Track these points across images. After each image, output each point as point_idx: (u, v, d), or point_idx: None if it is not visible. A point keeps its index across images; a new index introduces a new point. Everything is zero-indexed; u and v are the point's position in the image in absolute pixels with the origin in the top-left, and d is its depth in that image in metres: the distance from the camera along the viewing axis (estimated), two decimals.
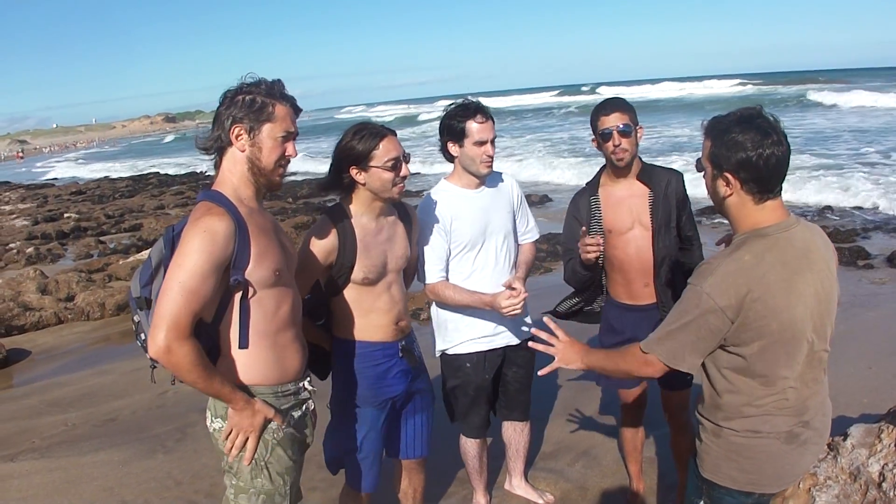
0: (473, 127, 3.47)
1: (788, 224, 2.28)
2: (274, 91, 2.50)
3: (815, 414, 2.39)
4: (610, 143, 3.42)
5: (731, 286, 2.19)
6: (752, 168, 2.20)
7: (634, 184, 3.54)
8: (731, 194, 2.29)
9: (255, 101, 2.45)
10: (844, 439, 3.60)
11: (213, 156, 2.56)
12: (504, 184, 3.79)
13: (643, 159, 3.60)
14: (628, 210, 3.55)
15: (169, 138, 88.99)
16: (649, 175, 3.54)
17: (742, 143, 2.20)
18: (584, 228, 3.54)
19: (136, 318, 2.59)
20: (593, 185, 3.68)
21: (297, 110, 2.57)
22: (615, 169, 3.54)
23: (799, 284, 2.24)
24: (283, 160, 2.53)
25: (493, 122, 3.56)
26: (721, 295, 2.19)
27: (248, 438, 2.54)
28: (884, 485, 3.33)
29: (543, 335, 2.71)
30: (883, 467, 3.38)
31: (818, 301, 2.29)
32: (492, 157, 3.53)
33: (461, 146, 3.53)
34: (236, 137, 2.46)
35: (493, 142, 3.53)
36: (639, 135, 3.47)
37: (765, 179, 2.22)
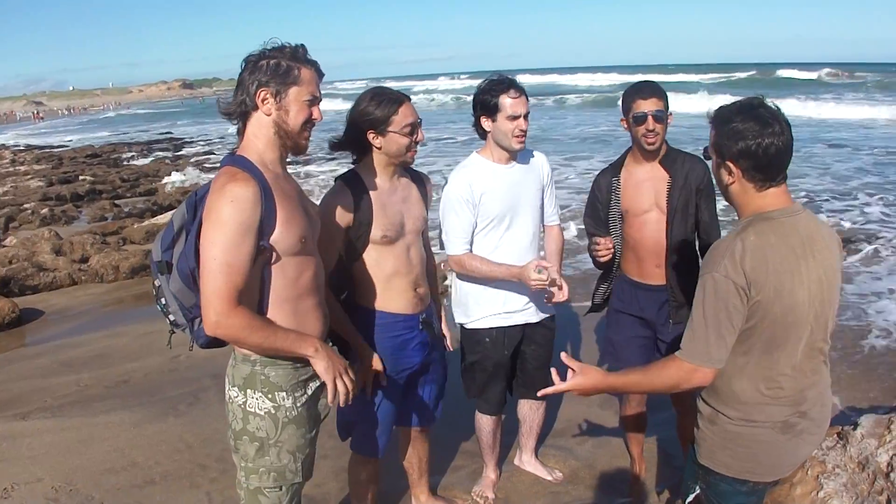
0: (507, 101, 3.47)
1: (793, 210, 2.29)
2: (298, 55, 2.48)
3: (814, 405, 2.39)
4: (643, 127, 3.42)
5: (738, 264, 2.20)
6: (752, 157, 2.22)
7: (657, 167, 3.55)
8: (733, 182, 2.31)
9: (280, 64, 2.44)
10: (854, 429, 3.62)
11: (235, 122, 2.54)
12: (535, 160, 3.78)
13: (670, 144, 3.60)
14: (647, 193, 3.56)
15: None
16: (672, 160, 3.54)
17: (742, 132, 2.21)
18: (597, 238, 3.59)
19: (156, 283, 2.59)
20: (616, 167, 3.70)
21: (320, 75, 2.55)
22: (643, 152, 3.54)
23: (803, 269, 2.24)
24: (310, 123, 2.52)
25: (527, 98, 3.55)
26: (736, 274, 2.20)
27: (347, 371, 2.58)
28: (892, 475, 3.35)
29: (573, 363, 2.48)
30: (891, 458, 3.40)
31: (821, 289, 2.29)
32: (525, 132, 3.52)
33: (494, 121, 3.52)
34: (262, 101, 2.44)
35: (526, 117, 3.52)
36: (669, 121, 3.47)
37: (765, 168, 2.24)
